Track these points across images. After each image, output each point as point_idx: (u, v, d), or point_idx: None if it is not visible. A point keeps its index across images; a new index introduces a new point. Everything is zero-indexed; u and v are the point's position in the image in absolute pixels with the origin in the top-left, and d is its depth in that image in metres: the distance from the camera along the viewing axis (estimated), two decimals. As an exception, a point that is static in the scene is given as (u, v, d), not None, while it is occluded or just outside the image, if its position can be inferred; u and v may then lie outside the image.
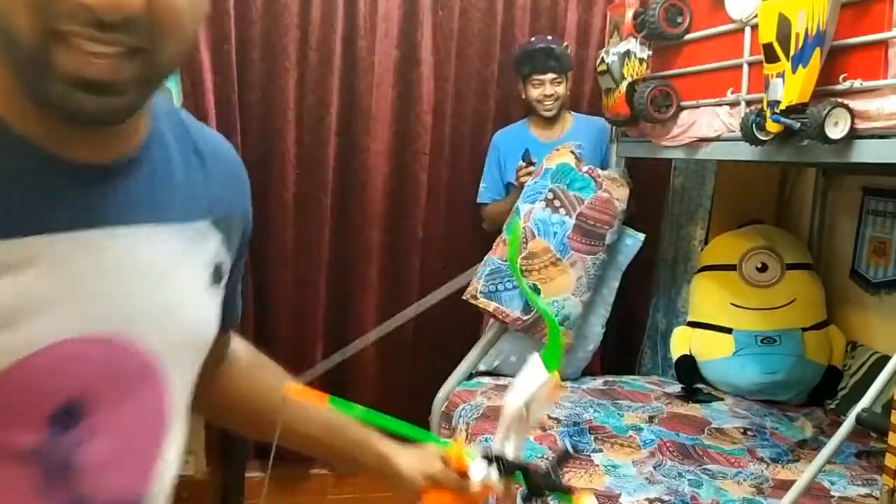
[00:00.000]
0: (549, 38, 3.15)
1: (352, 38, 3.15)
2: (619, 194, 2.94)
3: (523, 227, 2.86)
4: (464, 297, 2.90)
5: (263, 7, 3.06)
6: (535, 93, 3.10)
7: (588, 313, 2.99)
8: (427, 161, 3.27)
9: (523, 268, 2.83)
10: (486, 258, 2.94)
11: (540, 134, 3.17)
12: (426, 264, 3.33)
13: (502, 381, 2.97)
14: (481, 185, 3.24)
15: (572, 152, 2.95)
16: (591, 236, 2.87)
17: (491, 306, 2.83)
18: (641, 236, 3.05)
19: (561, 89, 3.09)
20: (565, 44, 3.19)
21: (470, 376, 3.00)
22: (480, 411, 2.68)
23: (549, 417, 2.62)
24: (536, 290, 2.81)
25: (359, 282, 3.25)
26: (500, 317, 2.83)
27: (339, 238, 3.23)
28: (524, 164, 3.07)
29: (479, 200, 3.25)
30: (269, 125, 3.11)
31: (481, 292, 2.85)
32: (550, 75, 3.05)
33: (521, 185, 3.02)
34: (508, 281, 2.83)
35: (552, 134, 3.16)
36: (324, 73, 3.11)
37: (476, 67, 3.29)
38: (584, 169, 2.92)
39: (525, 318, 2.81)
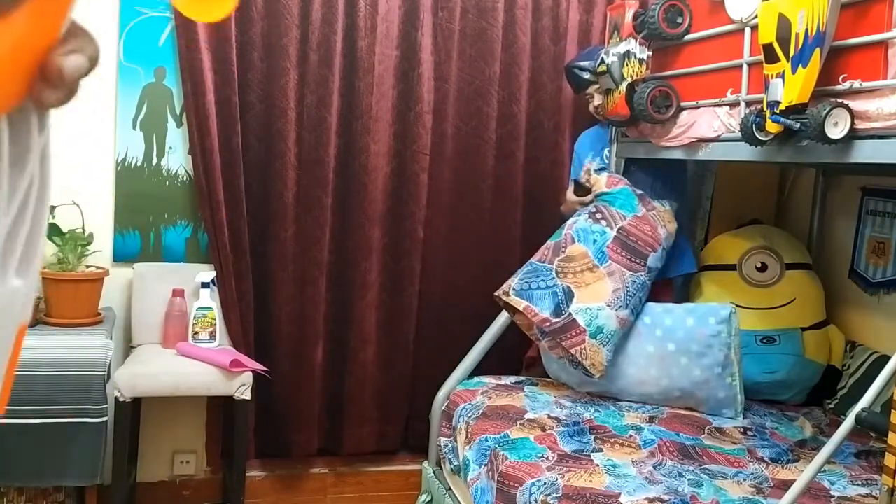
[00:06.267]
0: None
1: (352, 39, 3.15)
2: (668, 226, 2.87)
3: (564, 234, 2.82)
4: (495, 294, 2.84)
5: (264, 7, 3.06)
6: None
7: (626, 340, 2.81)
8: (427, 161, 3.27)
9: (559, 269, 2.76)
10: (528, 262, 2.86)
11: None
12: (427, 264, 3.32)
13: (503, 380, 2.98)
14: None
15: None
16: (631, 252, 2.77)
17: (521, 304, 2.74)
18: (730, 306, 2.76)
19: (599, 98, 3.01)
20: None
21: (470, 376, 3.00)
22: (481, 411, 2.69)
23: (549, 417, 2.63)
24: (570, 294, 2.72)
25: (359, 282, 3.25)
26: (529, 315, 2.73)
27: (339, 238, 3.23)
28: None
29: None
30: (269, 125, 3.11)
31: (513, 289, 2.78)
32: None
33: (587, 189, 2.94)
34: (543, 281, 2.76)
35: None
36: (324, 74, 3.12)
37: (480, 67, 3.29)
38: (638, 194, 2.88)
39: (555, 320, 2.70)
